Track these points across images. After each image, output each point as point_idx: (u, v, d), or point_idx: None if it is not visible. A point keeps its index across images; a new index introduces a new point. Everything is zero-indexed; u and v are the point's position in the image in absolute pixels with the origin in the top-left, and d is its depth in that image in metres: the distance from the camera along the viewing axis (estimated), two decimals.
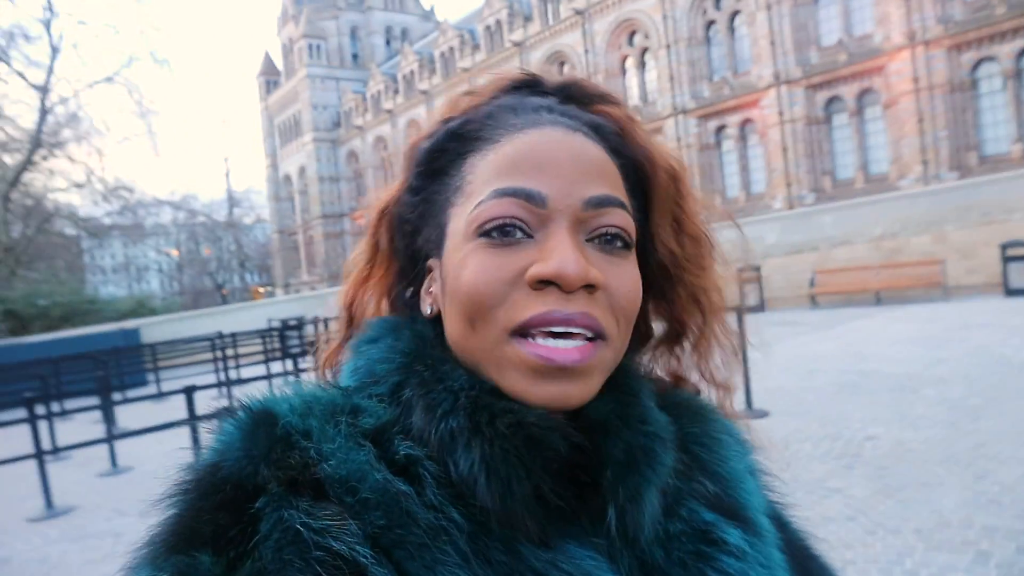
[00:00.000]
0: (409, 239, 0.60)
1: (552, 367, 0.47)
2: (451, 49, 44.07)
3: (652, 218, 0.59)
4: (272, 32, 61.25)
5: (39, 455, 6.06)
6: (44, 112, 33.36)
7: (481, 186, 0.52)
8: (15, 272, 32.21)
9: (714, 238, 0.64)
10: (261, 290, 65.89)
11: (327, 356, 0.66)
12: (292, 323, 19.60)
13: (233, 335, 14.67)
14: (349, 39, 57.87)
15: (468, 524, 0.45)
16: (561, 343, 0.48)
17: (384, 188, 0.64)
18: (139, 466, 7.37)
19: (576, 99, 0.60)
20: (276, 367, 11.74)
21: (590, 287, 0.49)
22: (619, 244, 0.52)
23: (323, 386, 0.54)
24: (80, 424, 10.47)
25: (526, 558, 0.45)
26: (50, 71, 33.90)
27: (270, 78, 63.13)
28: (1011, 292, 13.11)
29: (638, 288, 0.53)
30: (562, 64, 38.13)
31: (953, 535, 3.61)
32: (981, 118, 24.93)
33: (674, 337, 0.65)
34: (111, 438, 6.79)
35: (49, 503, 6.05)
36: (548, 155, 0.51)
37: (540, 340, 0.48)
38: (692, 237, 0.61)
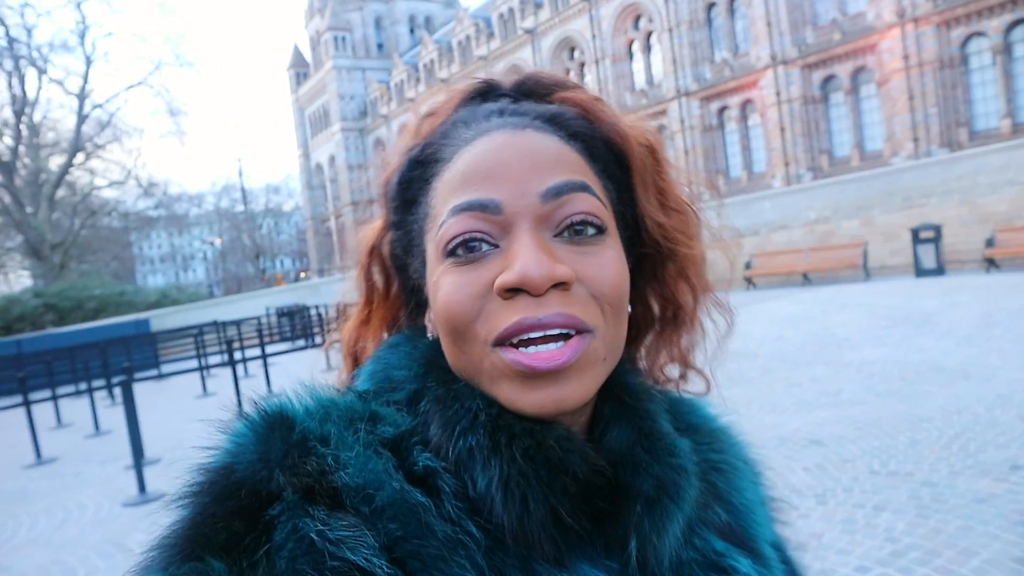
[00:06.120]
0: (403, 274, 0.61)
1: (538, 373, 0.47)
2: (467, 37, 45.35)
3: (637, 193, 0.58)
4: (301, 25, 63.19)
5: (30, 421, 8.10)
6: (82, 117, 36.61)
7: (441, 208, 0.52)
8: (65, 265, 35.55)
9: (698, 210, 0.62)
10: (290, 276, 69.11)
11: None
12: (285, 311, 22.05)
13: (222, 323, 17.23)
14: (374, 29, 59.54)
15: (485, 539, 0.45)
16: (543, 348, 0.47)
17: (368, 225, 0.66)
18: (116, 430, 9.38)
19: (533, 94, 0.59)
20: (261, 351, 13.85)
21: (562, 284, 0.48)
22: (591, 231, 0.51)
23: (339, 390, 0.54)
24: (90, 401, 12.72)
25: None
26: (85, 79, 37.14)
27: (300, 70, 65.50)
28: (921, 272, 14.07)
29: (620, 272, 0.51)
30: (572, 50, 39.27)
31: None
32: (971, 94, 25.21)
33: (671, 320, 0.63)
34: (92, 388, 8.94)
35: (39, 455, 8.08)
36: (495, 160, 0.51)
37: (521, 348, 0.47)
38: (676, 209, 0.60)
